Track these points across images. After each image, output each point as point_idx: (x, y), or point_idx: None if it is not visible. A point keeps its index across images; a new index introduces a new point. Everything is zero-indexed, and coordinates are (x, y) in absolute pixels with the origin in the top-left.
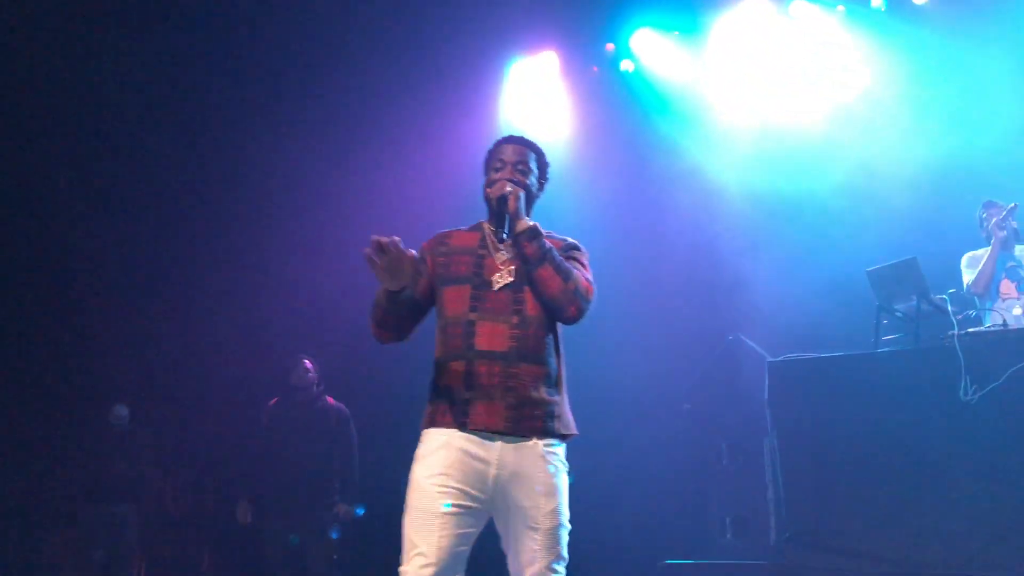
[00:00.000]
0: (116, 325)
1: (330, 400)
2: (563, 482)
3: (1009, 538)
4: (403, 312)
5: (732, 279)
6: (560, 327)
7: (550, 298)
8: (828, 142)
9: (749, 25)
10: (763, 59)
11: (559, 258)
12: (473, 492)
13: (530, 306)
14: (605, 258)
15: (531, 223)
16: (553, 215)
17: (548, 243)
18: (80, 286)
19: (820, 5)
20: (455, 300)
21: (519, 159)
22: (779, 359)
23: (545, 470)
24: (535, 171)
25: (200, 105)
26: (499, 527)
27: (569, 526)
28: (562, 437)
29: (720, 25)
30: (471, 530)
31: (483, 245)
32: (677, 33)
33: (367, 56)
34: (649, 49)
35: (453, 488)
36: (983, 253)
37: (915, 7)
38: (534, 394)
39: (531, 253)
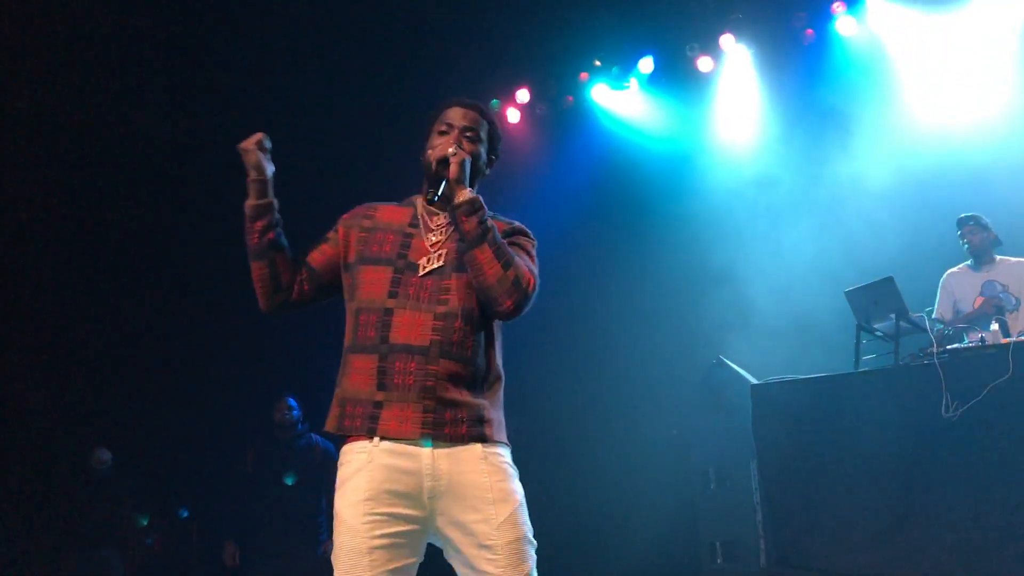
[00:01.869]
0: (99, 367)
1: (315, 438)
2: (516, 487)
3: (994, 554)
4: (274, 255)
5: (715, 303)
6: (498, 324)
7: (485, 286)
8: (807, 160)
9: (726, 49)
10: (738, 83)
11: (501, 240)
12: (406, 513)
13: (459, 295)
14: (589, 285)
15: (473, 194)
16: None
17: (491, 222)
18: (62, 328)
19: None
20: (372, 283)
21: (469, 125)
22: (762, 382)
23: (491, 474)
24: (485, 142)
25: (180, 155)
26: (447, 555)
27: (534, 541)
28: (497, 443)
29: (693, 54)
30: (410, 560)
31: (414, 223)
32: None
33: (346, 104)
34: (622, 79)
35: (381, 515)
36: (960, 270)
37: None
38: (456, 396)
39: (469, 229)
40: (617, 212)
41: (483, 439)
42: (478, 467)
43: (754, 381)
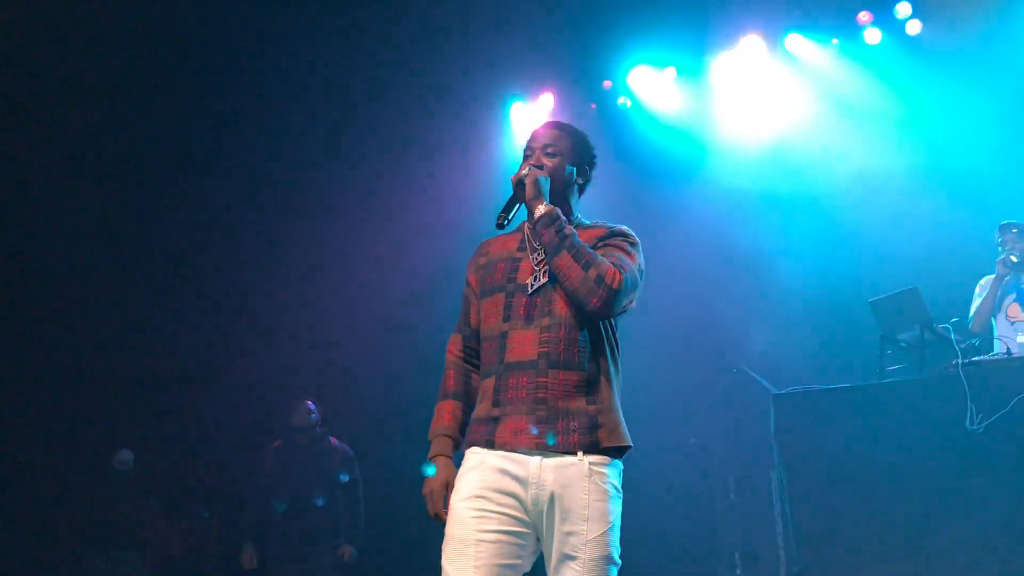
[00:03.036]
0: (118, 369)
1: (334, 441)
2: (614, 509)
3: (1019, 567)
4: (471, 409)
5: (735, 313)
6: (605, 325)
7: (571, 291)
8: (831, 173)
9: (745, 60)
10: (761, 93)
11: (580, 243)
12: (515, 515)
13: (561, 305)
14: None
15: (548, 208)
16: None
17: (569, 228)
18: (83, 329)
19: (814, 40)
20: (491, 312)
21: (548, 142)
22: (784, 392)
23: (591, 492)
24: (568, 155)
25: (192, 158)
26: (545, 561)
27: (618, 562)
28: (611, 452)
29: (718, 60)
30: (516, 561)
31: (521, 247)
32: (674, 69)
33: (366, 101)
34: (646, 86)
35: (491, 512)
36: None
37: (909, 38)
38: (569, 405)
39: (547, 241)
40: (636, 218)
41: (595, 447)
42: (581, 484)
43: (775, 391)
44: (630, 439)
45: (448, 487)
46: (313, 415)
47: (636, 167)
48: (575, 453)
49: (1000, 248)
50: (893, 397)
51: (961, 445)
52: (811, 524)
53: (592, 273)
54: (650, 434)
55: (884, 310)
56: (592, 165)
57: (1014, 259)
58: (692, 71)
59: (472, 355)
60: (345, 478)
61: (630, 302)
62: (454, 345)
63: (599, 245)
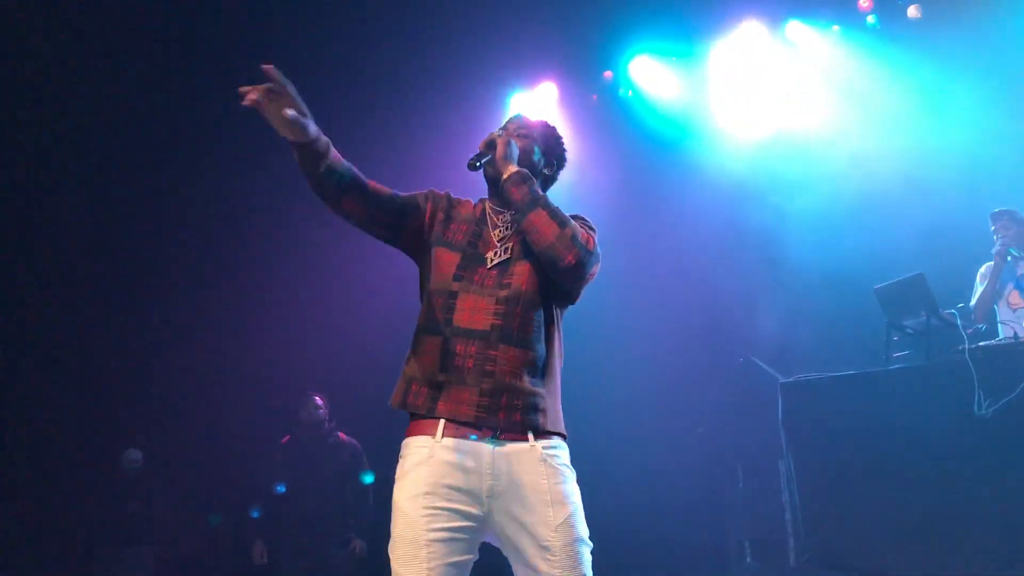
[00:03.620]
0: (127, 367)
1: (342, 436)
2: (574, 490)
3: None
4: (332, 180)
5: (741, 301)
6: (557, 311)
7: (545, 245)
8: (833, 160)
9: (746, 48)
10: (762, 80)
11: (553, 204)
12: (465, 510)
13: (521, 280)
14: (613, 284)
15: (519, 168)
16: None
17: (540, 190)
18: (93, 328)
19: (815, 26)
20: (443, 265)
21: (522, 125)
22: (791, 379)
23: (549, 476)
24: (539, 142)
25: (201, 155)
26: (505, 551)
27: (590, 543)
28: (554, 436)
29: (717, 49)
30: (466, 556)
31: (482, 222)
32: (674, 59)
33: (367, 92)
34: (647, 75)
35: (441, 509)
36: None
37: (908, 21)
38: (515, 382)
39: (520, 198)
40: (642, 211)
41: (536, 428)
42: (537, 469)
43: (782, 379)
44: (564, 428)
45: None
46: (321, 410)
47: (639, 156)
48: (525, 436)
49: (994, 236)
50: (900, 384)
51: (969, 430)
52: (820, 511)
53: (568, 231)
54: (658, 423)
55: (889, 297)
56: (561, 162)
57: (1014, 253)
58: (693, 59)
59: (373, 189)
60: (369, 479)
61: (592, 275)
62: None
63: None
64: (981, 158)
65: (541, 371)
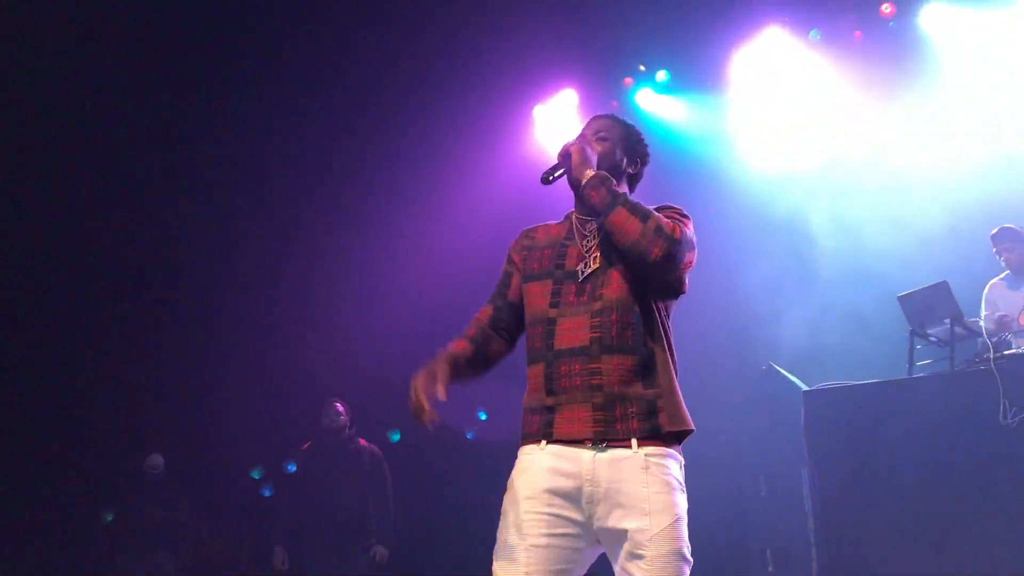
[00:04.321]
0: (149, 373)
1: (363, 442)
2: (678, 501)
3: None
4: (483, 363)
5: (764, 309)
6: (660, 306)
7: (630, 243)
8: (858, 168)
9: (768, 54)
10: (785, 89)
11: (634, 200)
12: (569, 516)
13: (613, 288)
14: None
15: (597, 171)
16: None
17: (620, 188)
18: (113, 334)
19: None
20: (536, 296)
21: (600, 128)
22: (814, 388)
23: (650, 484)
24: (619, 143)
25: (223, 159)
26: (611, 563)
27: (690, 559)
28: (669, 438)
29: (740, 54)
30: (569, 566)
31: (569, 236)
32: (695, 65)
33: (390, 103)
34: (668, 83)
35: (542, 515)
36: (999, 284)
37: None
38: (626, 390)
39: (599, 201)
40: None
41: (656, 432)
42: (638, 477)
43: (805, 387)
44: (691, 423)
45: (431, 376)
46: (342, 416)
47: (662, 164)
48: (629, 443)
49: (998, 258)
50: (924, 392)
51: (994, 440)
52: (842, 520)
53: (651, 224)
54: None
55: (913, 305)
56: (644, 159)
57: None
58: (715, 68)
59: (499, 324)
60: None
61: (688, 263)
62: (483, 313)
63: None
64: (1013, 162)
65: (652, 371)
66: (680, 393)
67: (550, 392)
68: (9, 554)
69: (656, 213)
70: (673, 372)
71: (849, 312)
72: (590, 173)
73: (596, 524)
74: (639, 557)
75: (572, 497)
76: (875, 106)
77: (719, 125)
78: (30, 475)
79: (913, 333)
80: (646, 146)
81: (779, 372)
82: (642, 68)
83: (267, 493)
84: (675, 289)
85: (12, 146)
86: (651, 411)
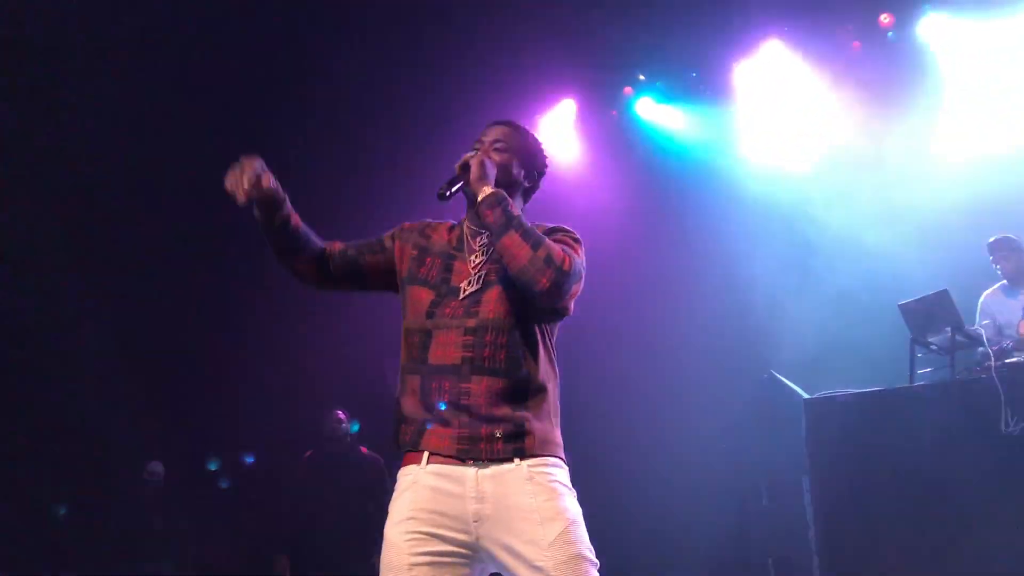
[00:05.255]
0: (150, 381)
1: (364, 450)
2: (568, 504)
3: None
4: (289, 244)
5: (765, 317)
6: (543, 329)
7: (518, 270)
8: (858, 177)
9: (769, 65)
10: (785, 100)
11: (527, 225)
12: (451, 535)
13: (490, 307)
14: (639, 298)
15: (494, 189)
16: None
17: (516, 210)
18: (116, 342)
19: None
20: (416, 303)
21: (498, 137)
22: (816, 396)
23: (536, 493)
24: (519, 155)
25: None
26: None
27: (595, 560)
28: (543, 458)
29: (741, 67)
30: None
31: (458, 246)
32: (695, 74)
33: (388, 114)
34: (668, 93)
35: (424, 534)
36: (995, 293)
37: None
38: (493, 412)
39: (493, 220)
40: (665, 226)
41: (521, 454)
42: (524, 488)
43: (806, 395)
44: (561, 451)
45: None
46: (343, 424)
47: (661, 173)
48: (511, 459)
49: (994, 267)
50: (925, 401)
51: (996, 449)
52: (844, 529)
53: (541, 253)
54: (681, 440)
55: (914, 313)
56: (542, 172)
57: None
58: (714, 77)
59: (331, 256)
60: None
61: (574, 294)
62: (331, 243)
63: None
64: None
65: (524, 395)
66: (555, 418)
67: (425, 408)
68: (5, 562)
69: (548, 241)
70: (549, 396)
71: (850, 320)
72: (487, 190)
73: (485, 544)
74: (538, 569)
75: (458, 517)
76: (875, 113)
77: (720, 134)
78: (28, 483)
79: (914, 341)
80: (545, 159)
81: (779, 380)
82: (641, 78)
83: (224, 485)
84: (559, 313)
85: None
86: (518, 434)
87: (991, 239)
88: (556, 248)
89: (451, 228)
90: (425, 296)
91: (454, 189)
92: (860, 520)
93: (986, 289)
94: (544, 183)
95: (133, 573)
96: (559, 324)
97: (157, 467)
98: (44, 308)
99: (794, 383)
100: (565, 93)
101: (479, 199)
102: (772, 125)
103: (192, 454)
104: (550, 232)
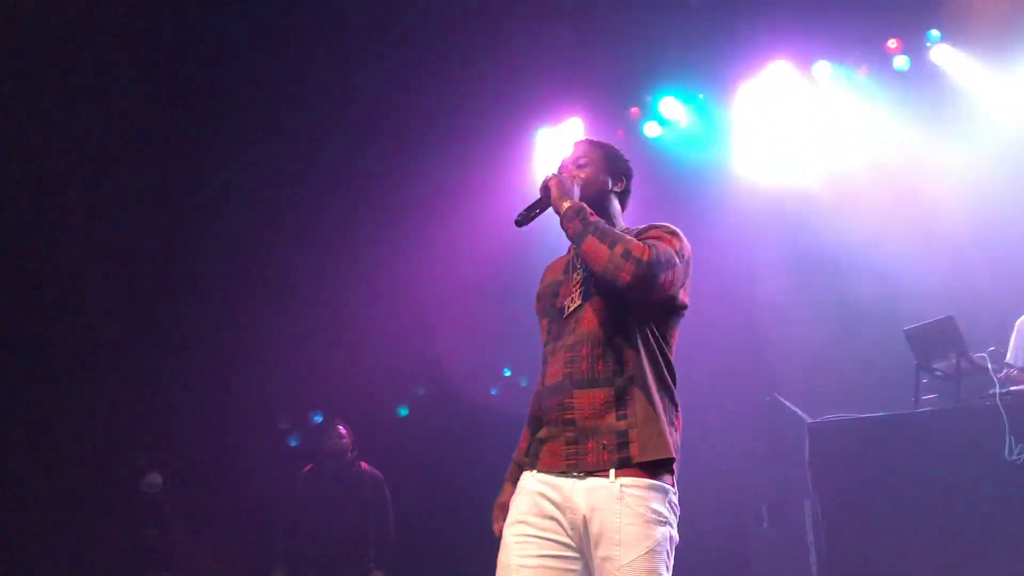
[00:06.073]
0: (147, 390)
1: (364, 465)
2: (652, 533)
3: None
4: None
5: (768, 339)
6: (651, 328)
7: (600, 272)
8: (863, 201)
9: (773, 88)
10: (790, 120)
11: (605, 227)
12: (558, 539)
13: (585, 321)
14: None
15: (574, 202)
16: None
17: (595, 217)
18: (112, 350)
19: (842, 67)
20: (543, 333)
21: (578, 155)
22: (819, 420)
23: (623, 515)
24: (602, 165)
25: (218, 201)
26: None
27: None
28: (647, 468)
29: (745, 88)
30: None
31: (567, 270)
32: (702, 96)
33: (392, 129)
34: (675, 112)
35: (531, 537)
36: None
37: (935, 66)
38: (598, 423)
39: (572, 232)
40: None
41: (626, 463)
42: (612, 507)
43: (808, 419)
44: (672, 450)
45: (502, 509)
46: (344, 439)
47: (666, 193)
48: (607, 473)
49: None
50: (929, 427)
51: (999, 476)
52: (845, 554)
53: (618, 249)
54: (682, 461)
55: (919, 339)
56: (628, 174)
57: None
58: (720, 97)
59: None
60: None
61: (672, 282)
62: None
63: (641, 235)
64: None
65: (626, 402)
66: (662, 420)
67: (542, 423)
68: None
69: (627, 238)
70: (656, 397)
71: (855, 344)
72: (567, 204)
73: (585, 549)
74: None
75: (559, 522)
76: (882, 135)
77: (726, 152)
78: (23, 493)
79: (919, 367)
80: (627, 161)
81: (781, 403)
82: (649, 99)
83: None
84: (668, 307)
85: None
86: (622, 443)
87: None
88: (634, 242)
89: (564, 255)
90: (544, 326)
91: (533, 214)
92: (861, 545)
93: (1019, 314)
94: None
95: None
96: (679, 323)
97: (156, 478)
98: (38, 317)
99: (796, 406)
100: (571, 111)
101: (561, 212)
102: (779, 143)
103: (191, 466)
104: (646, 230)
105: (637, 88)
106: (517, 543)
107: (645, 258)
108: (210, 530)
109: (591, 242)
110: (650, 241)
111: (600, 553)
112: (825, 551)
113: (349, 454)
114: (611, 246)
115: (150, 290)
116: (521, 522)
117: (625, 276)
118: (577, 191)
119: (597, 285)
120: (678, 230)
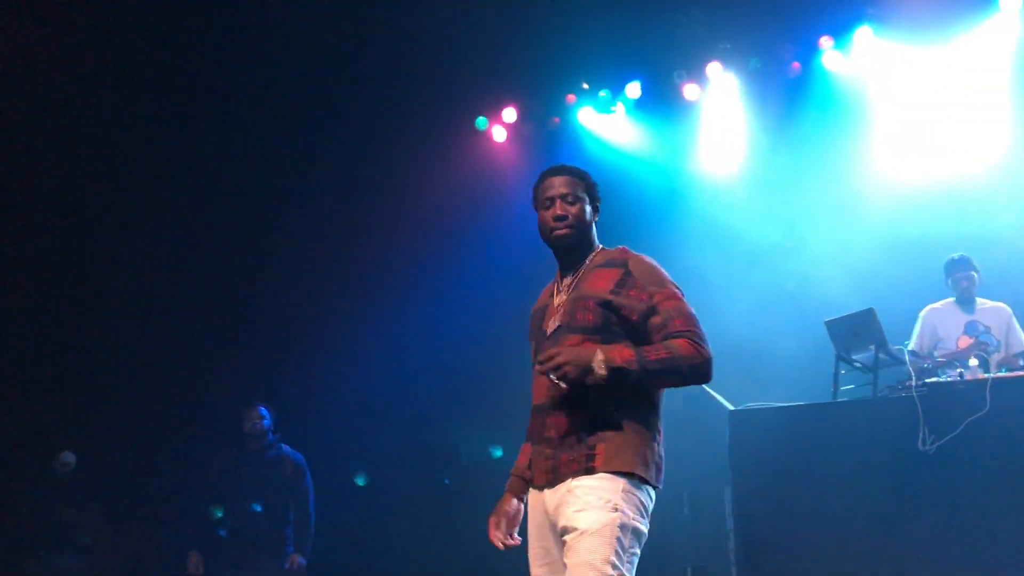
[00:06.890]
0: (63, 368)
1: (285, 448)
2: (595, 518)
3: None
4: None
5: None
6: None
7: (692, 384)
8: (791, 189)
9: (721, 85)
10: (741, 115)
11: (652, 364)
12: (550, 547)
13: (565, 344)
14: None
15: (603, 370)
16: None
17: (636, 365)
18: (27, 331)
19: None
20: (533, 355)
21: (566, 191)
22: (740, 408)
23: (571, 504)
24: (586, 198)
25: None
26: None
27: (608, 572)
28: (609, 474)
29: (689, 84)
30: None
31: (552, 293)
32: (638, 85)
33: (335, 121)
34: (610, 102)
35: (539, 549)
36: (944, 307)
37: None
38: (571, 440)
39: (642, 387)
40: (600, 237)
41: (592, 471)
42: (566, 500)
43: (731, 407)
44: (641, 468)
45: (498, 519)
46: (265, 420)
47: (599, 181)
48: (569, 479)
49: (955, 283)
50: (847, 416)
51: (913, 466)
52: (763, 540)
53: (685, 369)
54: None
55: (839, 330)
56: (599, 200)
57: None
58: (660, 88)
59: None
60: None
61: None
62: None
63: (625, 287)
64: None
65: (599, 421)
66: (634, 436)
67: (530, 442)
68: None
69: (675, 349)
70: (631, 416)
71: (778, 333)
72: (601, 374)
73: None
74: (565, 567)
75: (550, 530)
76: (815, 137)
77: (661, 145)
78: None
79: (839, 358)
80: (595, 182)
81: (704, 391)
82: (585, 86)
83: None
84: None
85: None
86: (590, 454)
87: (955, 256)
88: (685, 347)
89: (553, 280)
90: (534, 347)
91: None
92: (780, 532)
93: (929, 303)
94: (482, 195)
95: (42, 564)
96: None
97: (69, 457)
98: None
99: (719, 394)
100: (507, 99)
101: (608, 384)
102: (708, 139)
103: (107, 445)
104: (628, 272)
105: (573, 74)
106: (534, 555)
107: (705, 354)
108: (126, 510)
109: (667, 381)
110: (670, 311)
111: (558, 549)
112: (743, 538)
113: (269, 436)
114: (676, 369)
115: (70, 269)
116: (532, 536)
117: (708, 379)
118: (589, 358)
119: (576, 308)
120: (666, 276)
